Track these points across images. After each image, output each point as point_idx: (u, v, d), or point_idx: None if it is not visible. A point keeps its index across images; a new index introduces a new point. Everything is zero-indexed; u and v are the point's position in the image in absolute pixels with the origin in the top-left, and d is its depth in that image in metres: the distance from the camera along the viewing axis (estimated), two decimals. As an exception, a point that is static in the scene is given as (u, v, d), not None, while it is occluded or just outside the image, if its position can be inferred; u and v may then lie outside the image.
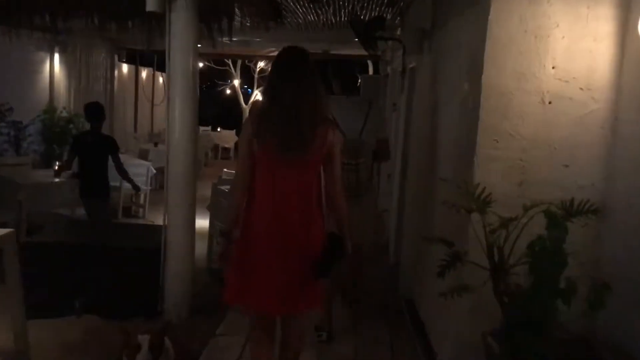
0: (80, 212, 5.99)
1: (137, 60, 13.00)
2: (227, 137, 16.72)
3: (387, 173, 9.19)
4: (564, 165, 2.71)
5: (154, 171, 8.42)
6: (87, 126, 5.80)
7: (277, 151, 2.55)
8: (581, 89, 2.67)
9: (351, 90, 4.25)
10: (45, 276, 3.94)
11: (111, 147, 5.61)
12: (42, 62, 9.36)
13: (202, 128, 16.04)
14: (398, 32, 7.39)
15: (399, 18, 7.19)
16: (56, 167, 6.45)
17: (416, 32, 4.71)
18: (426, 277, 3.80)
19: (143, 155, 9.97)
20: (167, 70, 3.97)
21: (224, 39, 5.51)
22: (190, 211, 4.17)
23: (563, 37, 2.64)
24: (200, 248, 6.07)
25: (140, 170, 8.11)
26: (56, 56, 9.47)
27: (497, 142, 2.72)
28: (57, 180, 6.32)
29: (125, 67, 12.29)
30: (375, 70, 12.95)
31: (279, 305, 2.67)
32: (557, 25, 2.63)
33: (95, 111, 5.65)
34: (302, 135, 2.53)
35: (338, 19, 7.70)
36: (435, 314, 3.69)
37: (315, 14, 7.33)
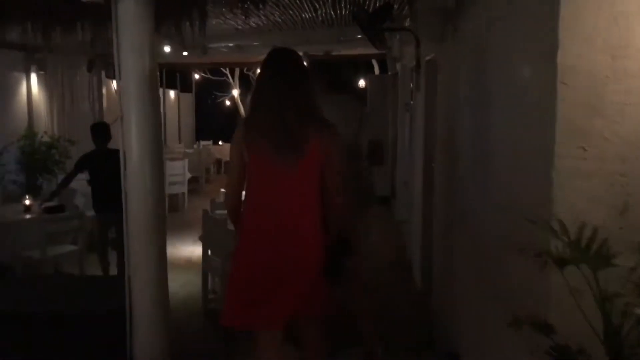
0: (53, 251, 5.22)
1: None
2: (228, 151, 15.85)
3: (404, 180, 8.35)
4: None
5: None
6: (72, 150, 6.14)
7: (268, 156, 2.52)
8: None
9: (341, 88, 3.65)
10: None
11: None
12: (17, 83, 8.55)
13: (202, 142, 15.28)
14: (406, 23, 6.52)
15: (407, 7, 6.32)
16: (26, 202, 5.62)
17: (435, 15, 3.83)
18: (482, 325, 2.88)
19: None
20: (116, 78, 3.10)
21: (198, 37, 4.61)
22: (160, 259, 3.27)
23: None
24: (194, 285, 5.25)
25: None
26: (33, 76, 8.66)
27: (586, 149, 1.83)
28: (27, 217, 5.50)
29: (115, 84, 11.47)
30: (382, 70, 12.10)
31: (281, 317, 2.57)
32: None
33: (103, 131, 5.60)
34: (292, 135, 2.48)
35: (338, 12, 6.84)
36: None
37: (312, 8, 6.47)
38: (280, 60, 2.63)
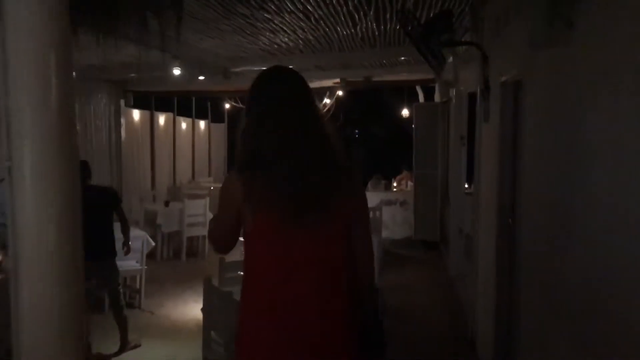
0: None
1: (152, 104, 11.34)
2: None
3: (459, 227, 7.04)
4: None
5: (152, 243, 6.47)
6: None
7: (281, 217, 1.87)
8: None
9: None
10: None
11: (114, 199, 5.00)
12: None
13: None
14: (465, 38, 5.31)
15: (464, 17, 5.11)
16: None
17: (535, 13, 2.56)
18: None
19: (150, 218, 8.10)
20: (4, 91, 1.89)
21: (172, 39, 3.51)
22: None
23: None
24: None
25: (133, 245, 6.15)
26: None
27: None
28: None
29: (136, 113, 10.58)
30: (427, 98, 10.85)
31: None
32: None
33: (83, 168, 4.44)
34: (315, 189, 1.88)
35: (382, 27, 5.67)
36: None
37: (350, 23, 5.31)
38: (285, 85, 1.99)
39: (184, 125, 13.45)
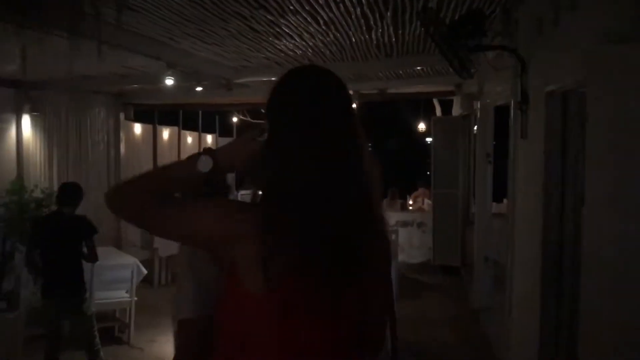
0: None
1: (155, 118, 10.79)
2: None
3: (484, 254, 6.36)
4: None
5: (144, 271, 5.86)
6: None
7: (315, 287, 1.18)
8: None
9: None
10: None
11: (88, 229, 4.39)
12: (5, 126, 7.08)
13: (242, 192, 13.61)
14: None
15: (492, 20, 4.47)
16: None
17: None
18: None
19: (147, 240, 7.54)
20: None
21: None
22: None
23: None
24: None
25: (122, 273, 5.57)
26: (25, 118, 7.19)
27: None
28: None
29: (138, 127, 10.03)
30: (444, 111, 10.21)
31: None
32: None
33: (73, 194, 4.46)
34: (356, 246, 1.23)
35: (400, 32, 5.05)
36: None
37: (365, 27, 4.70)
38: (323, 96, 1.28)
39: (189, 140, 12.90)
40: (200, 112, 13.06)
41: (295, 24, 4.57)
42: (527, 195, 3.75)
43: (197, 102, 9.83)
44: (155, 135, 10.71)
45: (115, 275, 5.52)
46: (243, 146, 1.33)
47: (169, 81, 5.41)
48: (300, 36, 4.96)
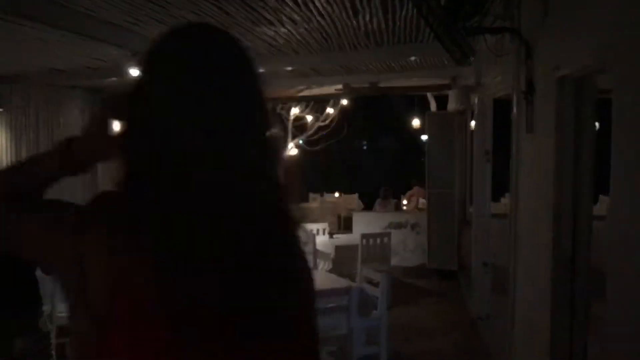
0: None
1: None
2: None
3: (483, 259, 5.93)
4: None
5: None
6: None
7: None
8: None
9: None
10: None
11: None
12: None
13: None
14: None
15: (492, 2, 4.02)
16: None
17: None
18: None
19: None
20: None
21: None
22: None
23: None
24: None
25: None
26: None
27: None
28: None
29: (116, 123, 9.54)
30: (439, 106, 9.77)
31: None
32: None
33: None
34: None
35: (389, 17, 4.60)
36: None
37: (348, 5, 4.24)
38: (205, 57, 0.91)
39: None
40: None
41: (273, 8, 4.12)
42: (533, 195, 3.32)
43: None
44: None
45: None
46: (99, 129, 1.02)
47: (135, 72, 4.96)
48: (280, 21, 4.50)
